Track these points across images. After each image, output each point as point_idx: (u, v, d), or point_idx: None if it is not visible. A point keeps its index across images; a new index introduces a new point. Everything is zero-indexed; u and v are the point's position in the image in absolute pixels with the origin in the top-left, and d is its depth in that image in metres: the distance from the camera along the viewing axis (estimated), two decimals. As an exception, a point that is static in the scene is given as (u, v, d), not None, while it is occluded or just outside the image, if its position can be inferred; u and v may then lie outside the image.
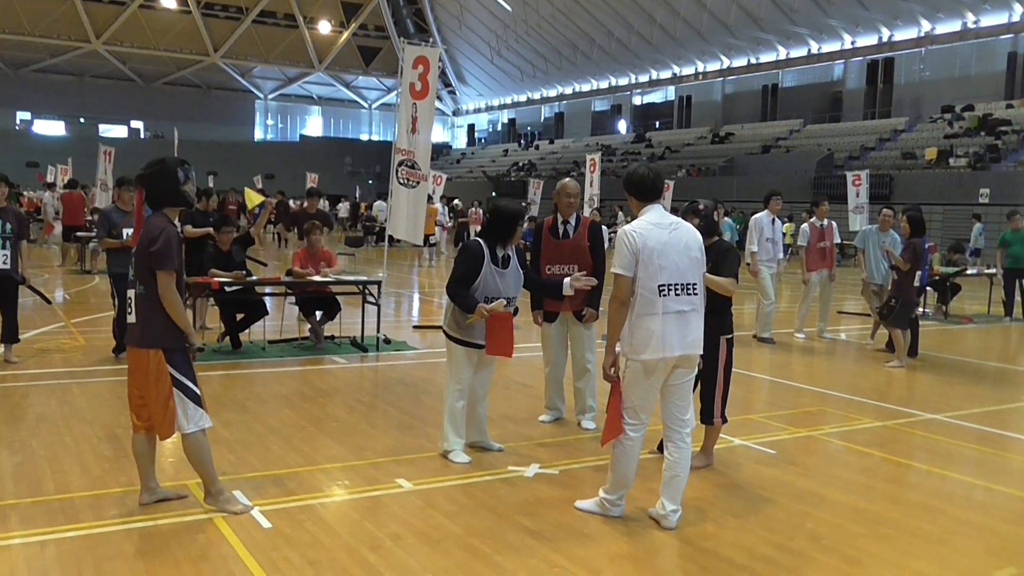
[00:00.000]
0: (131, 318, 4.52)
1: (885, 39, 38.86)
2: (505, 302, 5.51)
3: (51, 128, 56.48)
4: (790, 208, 28.71)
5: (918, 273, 9.80)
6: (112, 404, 6.95)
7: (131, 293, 4.52)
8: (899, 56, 38.72)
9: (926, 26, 36.95)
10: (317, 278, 9.51)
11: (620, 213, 32.19)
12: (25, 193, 30.26)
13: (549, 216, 6.82)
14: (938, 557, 4.36)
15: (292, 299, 10.06)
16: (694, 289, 4.54)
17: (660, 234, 4.48)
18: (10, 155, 47.50)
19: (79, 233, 17.53)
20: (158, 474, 4.80)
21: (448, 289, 5.53)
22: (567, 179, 6.83)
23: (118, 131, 57.68)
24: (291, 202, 33.03)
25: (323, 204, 33.78)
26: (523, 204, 6.00)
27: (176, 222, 4.63)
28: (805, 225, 12.01)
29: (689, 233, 4.61)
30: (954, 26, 36.14)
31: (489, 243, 5.56)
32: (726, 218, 15.84)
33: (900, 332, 9.78)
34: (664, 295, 4.43)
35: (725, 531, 4.59)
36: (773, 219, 11.50)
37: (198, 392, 4.55)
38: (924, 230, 9.95)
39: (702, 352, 4.64)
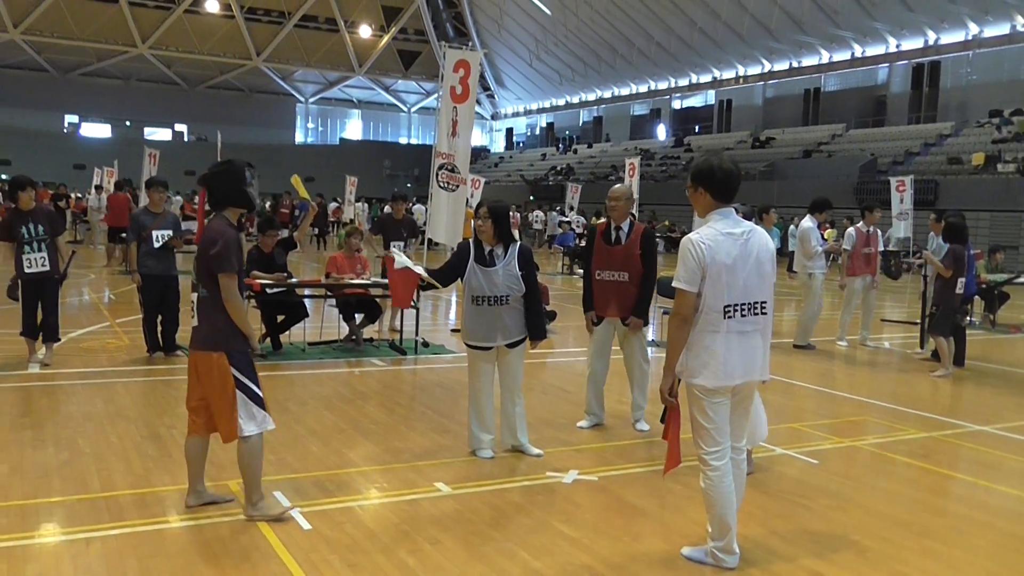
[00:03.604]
0: (194, 321, 4.55)
1: (931, 42, 38.18)
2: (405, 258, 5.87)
3: (98, 131, 57.49)
4: (831, 214, 28.27)
5: (961, 280, 9.57)
6: (156, 403, 7.05)
7: (193, 296, 4.55)
8: (945, 60, 38.02)
9: (973, 29, 36.25)
10: (356, 281, 9.57)
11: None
12: (72, 195, 30.82)
13: (603, 221, 6.80)
14: (989, 573, 4.26)
15: (332, 301, 10.12)
16: (763, 308, 4.03)
17: (731, 247, 3.95)
18: (58, 157, 48.50)
19: (123, 234, 17.83)
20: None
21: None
22: (617, 184, 6.82)
23: (162, 134, 58.59)
24: (333, 204, 33.40)
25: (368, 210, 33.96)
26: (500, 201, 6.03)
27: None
28: (851, 229, 11.74)
29: (761, 243, 4.06)
30: (1002, 29, 35.40)
31: (476, 241, 5.76)
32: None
33: (943, 340, 9.58)
34: (729, 316, 3.96)
35: (769, 540, 4.52)
36: (819, 225, 11.36)
37: (260, 394, 4.57)
38: (963, 237, 9.68)
39: (766, 378, 4.17)
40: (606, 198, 6.62)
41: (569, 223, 27.54)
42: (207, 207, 4.66)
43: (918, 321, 12.10)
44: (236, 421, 4.47)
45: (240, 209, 4.65)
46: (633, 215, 6.98)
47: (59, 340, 8.55)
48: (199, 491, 4.71)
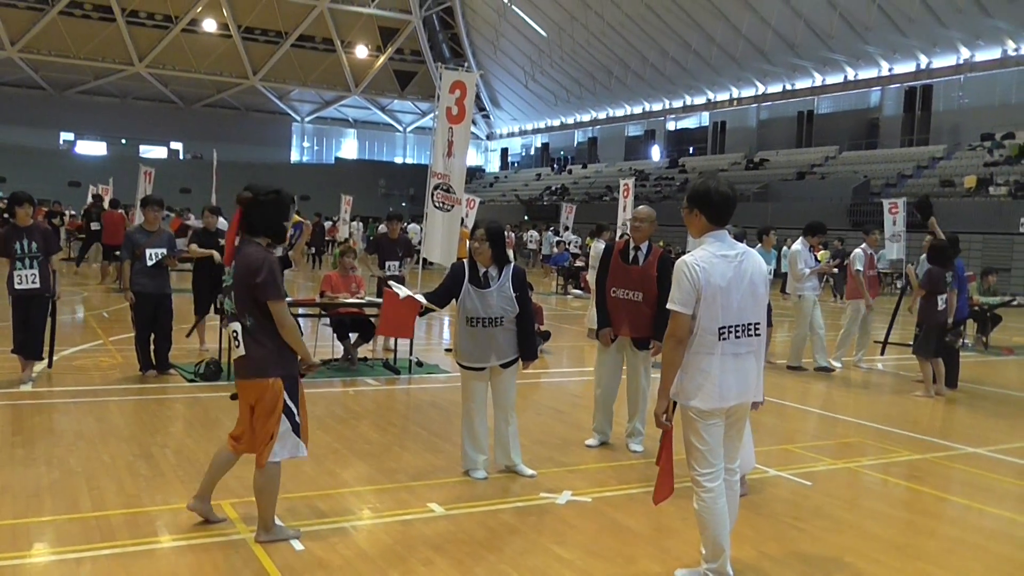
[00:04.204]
0: (240, 350, 4.45)
1: (923, 66, 38.49)
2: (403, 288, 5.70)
3: (93, 148, 57.47)
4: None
5: (941, 297, 9.61)
6: (148, 422, 7.03)
7: (236, 326, 4.44)
8: (937, 83, 38.32)
9: (965, 53, 36.57)
10: (351, 300, 9.57)
11: None
12: (67, 212, 30.76)
13: (622, 239, 6.88)
14: (981, 596, 4.26)
15: (326, 320, 10.11)
16: (756, 329, 4.06)
17: (725, 269, 3.98)
18: (53, 175, 48.50)
19: (118, 252, 17.82)
20: (191, 492, 4.80)
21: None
22: (641, 206, 6.90)
23: (158, 152, 58.59)
24: (327, 223, 33.43)
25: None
26: (496, 221, 6.05)
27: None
28: (859, 251, 11.77)
29: (755, 265, 4.10)
30: (994, 53, 35.73)
31: (470, 262, 5.74)
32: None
33: (925, 361, 9.63)
34: (724, 338, 3.97)
35: (762, 563, 4.51)
36: (810, 248, 11.38)
37: (300, 422, 4.52)
38: (945, 259, 9.73)
39: (761, 399, 4.21)
40: (631, 219, 6.75)
41: (564, 243, 27.59)
42: (239, 231, 4.50)
43: (880, 340, 12.33)
44: (272, 447, 4.42)
45: (270, 239, 4.55)
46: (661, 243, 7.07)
47: (41, 359, 8.45)
48: (205, 499, 4.67)
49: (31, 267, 8.06)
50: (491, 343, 5.69)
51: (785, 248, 11.93)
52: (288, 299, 9.22)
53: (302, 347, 4.51)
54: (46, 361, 8.60)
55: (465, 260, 5.82)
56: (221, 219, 11.16)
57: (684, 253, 4.25)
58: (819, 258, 11.70)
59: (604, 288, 6.70)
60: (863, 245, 11.79)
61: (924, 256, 11.27)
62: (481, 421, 5.84)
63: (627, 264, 6.60)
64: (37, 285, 8.10)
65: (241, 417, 4.58)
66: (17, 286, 8.04)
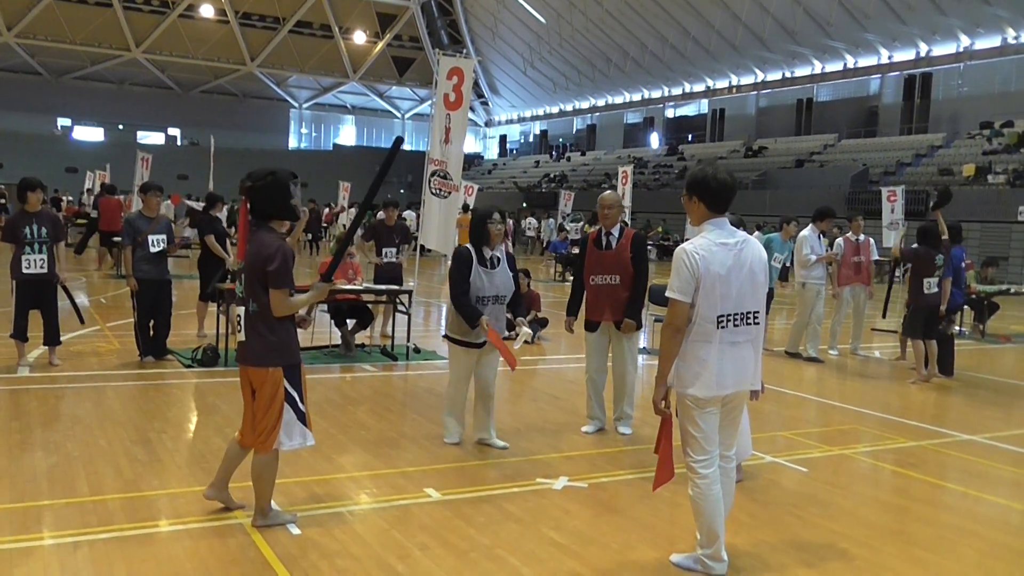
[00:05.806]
0: (241, 336, 4.45)
1: (923, 54, 38.39)
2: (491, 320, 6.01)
3: (90, 134, 57.29)
4: (833, 222, 28.22)
5: (929, 280, 9.62)
6: (146, 408, 7.04)
7: (240, 311, 4.45)
8: (937, 71, 38.22)
9: (965, 41, 36.46)
10: (348, 286, 9.57)
11: None
12: (64, 198, 30.70)
13: (595, 229, 6.96)
14: (974, 581, 4.28)
15: (323, 307, 10.11)
16: (755, 318, 4.05)
17: (725, 257, 3.97)
18: (50, 160, 48.35)
19: (116, 238, 17.78)
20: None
21: (454, 300, 6.06)
22: (606, 191, 6.96)
23: (155, 138, 58.41)
24: (324, 209, 33.40)
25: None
26: (495, 207, 6.26)
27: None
28: (840, 239, 11.80)
29: (754, 252, 4.09)
30: (994, 42, 35.62)
31: (475, 246, 6.08)
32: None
33: (914, 341, 9.70)
34: (722, 327, 3.96)
35: (758, 548, 4.53)
36: (819, 235, 11.30)
37: (304, 410, 4.53)
38: (931, 240, 9.74)
39: (759, 387, 4.20)
40: (599, 207, 6.79)
41: (565, 231, 27.59)
42: (250, 218, 4.52)
43: (876, 328, 12.36)
44: (276, 436, 4.42)
45: (285, 221, 4.55)
46: (625, 222, 7.10)
47: (59, 343, 8.54)
48: (219, 487, 4.67)
49: (40, 252, 8.10)
50: (495, 321, 6.04)
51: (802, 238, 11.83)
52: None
53: (301, 308, 4.52)
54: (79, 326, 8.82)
55: (468, 246, 6.11)
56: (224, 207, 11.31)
57: (683, 241, 4.24)
58: None
59: (581, 278, 6.86)
60: (848, 233, 11.76)
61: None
62: (465, 394, 6.27)
63: (601, 250, 6.73)
64: (45, 270, 8.13)
65: (244, 405, 4.58)
66: (25, 270, 8.07)
